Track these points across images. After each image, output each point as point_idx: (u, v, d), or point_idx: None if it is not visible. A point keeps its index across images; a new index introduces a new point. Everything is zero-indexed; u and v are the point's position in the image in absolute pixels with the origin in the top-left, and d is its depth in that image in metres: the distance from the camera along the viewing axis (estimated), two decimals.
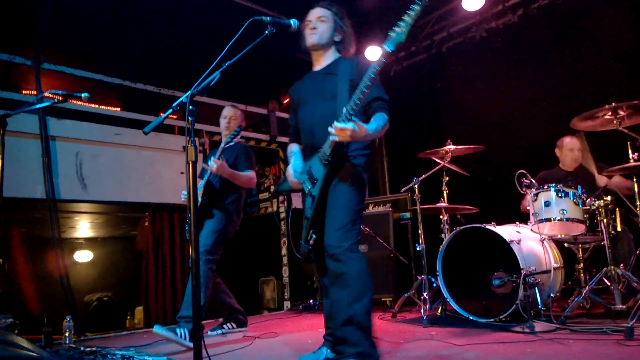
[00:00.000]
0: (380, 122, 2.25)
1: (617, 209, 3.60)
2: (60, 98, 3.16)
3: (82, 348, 3.27)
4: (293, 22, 2.32)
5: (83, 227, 6.43)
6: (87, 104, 4.71)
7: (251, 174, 3.72)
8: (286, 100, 6.74)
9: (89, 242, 7.26)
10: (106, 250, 7.30)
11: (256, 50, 2.16)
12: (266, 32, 2.26)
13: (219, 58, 1.95)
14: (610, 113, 3.39)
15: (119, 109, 5.46)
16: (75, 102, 3.55)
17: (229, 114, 3.88)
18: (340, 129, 2.02)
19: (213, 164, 3.40)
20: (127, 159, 4.85)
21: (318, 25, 2.47)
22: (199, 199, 3.56)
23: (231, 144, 3.67)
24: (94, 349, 3.16)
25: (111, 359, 2.87)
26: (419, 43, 6.16)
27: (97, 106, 5.32)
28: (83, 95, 3.17)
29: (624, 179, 3.79)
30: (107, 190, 4.69)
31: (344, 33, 2.53)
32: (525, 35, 5.20)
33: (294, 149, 2.65)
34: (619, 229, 3.59)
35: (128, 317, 6.22)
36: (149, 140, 4.91)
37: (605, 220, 3.34)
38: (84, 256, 7.18)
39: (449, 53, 5.95)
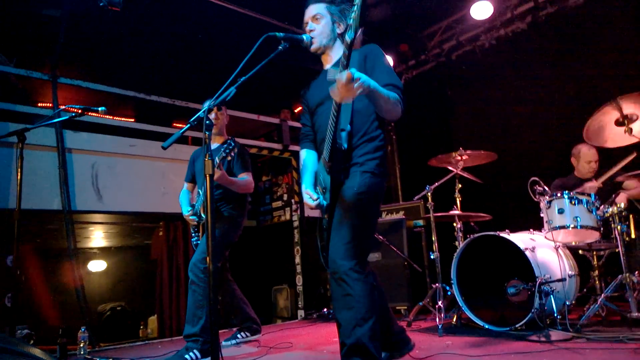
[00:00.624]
0: (390, 93, 2.07)
1: (630, 216, 3.58)
2: (79, 111, 3.22)
3: (97, 359, 3.31)
4: (305, 37, 2.28)
5: (97, 236, 6.50)
6: (102, 116, 4.79)
7: (248, 178, 3.52)
8: (298, 109, 6.79)
9: (103, 252, 7.33)
10: (120, 260, 7.36)
11: (269, 62, 2.16)
12: (280, 47, 2.24)
13: (234, 74, 1.98)
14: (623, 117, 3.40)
15: (133, 121, 5.54)
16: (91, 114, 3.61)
17: (213, 115, 3.61)
18: (339, 85, 1.79)
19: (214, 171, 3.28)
20: (142, 169, 4.92)
21: (314, 26, 2.33)
22: (203, 216, 3.49)
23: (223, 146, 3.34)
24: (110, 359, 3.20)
25: None
26: (429, 52, 6.19)
27: (111, 118, 5.41)
28: (100, 109, 3.22)
29: (627, 200, 3.73)
30: (122, 200, 4.76)
31: (345, 22, 2.34)
32: (534, 43, 5.21)
33: (304, 157, 2.49)
34: (633, 235, 3.57)
35: (141, 327, 6.27)
36: (163, 151, 4.95)
37: (619, 227, 3.33)
38: (97, 266, 7.24)
39: (458, 61, 5.97)
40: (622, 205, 3.39)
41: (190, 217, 3.55)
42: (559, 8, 5.03)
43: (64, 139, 4.47)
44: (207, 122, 1.78)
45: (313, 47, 2.31)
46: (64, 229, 4.38)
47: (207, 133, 1.78)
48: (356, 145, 2.22)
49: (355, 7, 1.78)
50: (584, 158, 4.20)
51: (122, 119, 5.67)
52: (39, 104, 5.39)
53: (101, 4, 3.69)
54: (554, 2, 5.05)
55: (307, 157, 2.49)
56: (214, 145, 3.65)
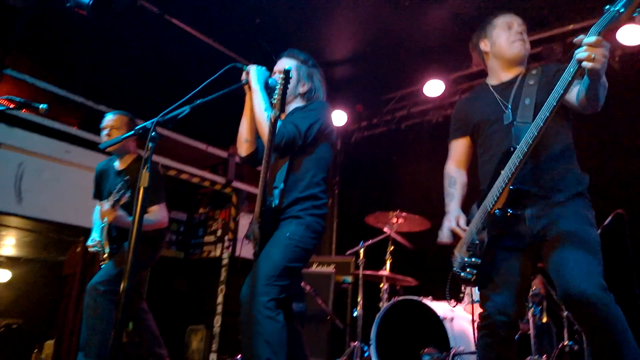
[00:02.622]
0: (264, 118, 2.21)
1: (544, 300, 3.78)
2: (16, 104, 3.05)
3: None
4: (271, 81, 2.32)
5: (8, 243, 6.00)
6: (41, 116, 4.57)
7: (158, 215, 3.10)
8: None
9: (10, 261, 6.74)
10: (27, 272, 6.78)
11: (227, 94, 2.18)
12: (243, 81, 2.33)
13: (192, 93, 1.98)
14: None
15: (75, 128, 5.31)
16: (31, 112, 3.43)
17: (111, 123, 3.28)
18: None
19: (104, 209, 2.88)
20: (73, 178, 4.67)
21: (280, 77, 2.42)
22: (106, 250, 3.17)
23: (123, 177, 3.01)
24: None
25: None
26: (381, 117, 6.47)
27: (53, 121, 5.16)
28: (42, 106, 3.06)
29: (543, 284, 3.94)
30: (44, 207, 4.46)
31: (309, 84, 2.48)
32: None
33: None
34: (544, 320, 3.76)
35: (35, 351, 5.71)
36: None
37: (532, 309, 3.49)
38: (0, 275, 6.65)
39: (407, 130, 6.28)
40: (537, 289, 3.58)
41: (92, 249, 3.27)
42: None
43: None
44: (153, 134, 1.75)
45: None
46: None
47: (150, 145, 1.75)
48: (290, 202, 2.25)
49: (276, 91, 2.03)
50: None
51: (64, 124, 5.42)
52: None
53: (68, 5, 3.60)
54: None
55: None
56: (119, 167, 3.36)
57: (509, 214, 1.99)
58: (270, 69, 2.46)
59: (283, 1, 4.58)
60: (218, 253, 6.11)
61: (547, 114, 1.83)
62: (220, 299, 5.67)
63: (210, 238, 6.42)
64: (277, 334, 2.04)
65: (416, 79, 5.77)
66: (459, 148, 2.46)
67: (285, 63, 2.50)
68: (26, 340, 5.93)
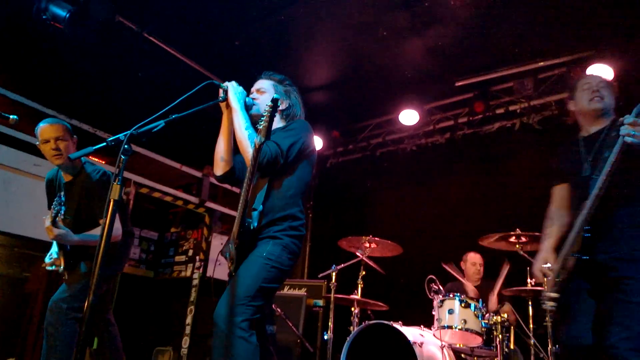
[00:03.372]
0: (251, 136, 2.21)
1: (512, 328, 3.84)
2: None
3: None
4: (248, 100, 2.36)
5: None
6: (11, 128, 4.47)
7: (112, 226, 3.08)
8: None
9: None
10: None
11: (201, 112, 2.19)
12: (220, 98, 2.35)
13: (167, 108, 1.98)
14: (514, 237, 3.78)
15: None
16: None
17: (54, 134, 2.95)
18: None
19: (49, 228, 2.70)
20: (41, 192, 4.55)
21: (257, 96, 2.45)
22: (61, 267, 3.01)
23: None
24: None
25: None
26: (357, 143, 6.57)
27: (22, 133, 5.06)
28: (12, 116, 3.00)
29: (512, 312, 4.07)
30: (11, 220, 4.33)
31: (288, 101, 2.50)
32: (449, 156, 5.77)
33: None
34: (512, 346, 3.81)
35: None
36: None
37: (500, 336, 3.55)
38: None
39: (381, 157, 6.39)
40: (506, 315, 3.64)
41: (49, 268, 3.12)
42: (474, 131, 5.64)
43: None
44: (126, 146, 1.74)
45: (252, 113, 2.37)
46: None
47: (122, 157, 1.74)
48: (268, 221, 2.24)
49: (262, 119, 2.04)
50: (470, 260, 4.60)
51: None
52: None
53: (44, 17, 3.58)
54: (472, 125, 5.66)
55: None
56: (64, 179, 3.18)
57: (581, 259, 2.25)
58: (247, 90, 2.49)
59: (263, 26, 4.66)
60: (189, 273, 6.00)
61: (604, 178, 2.15)
62: (189, 319, 5.55)
63: (181, 258, 6.31)
64: (249, 355, 1.99)
65: (392, 108, 5.91)
66: (558, 193, 2.65)
67: (260, 84, 2.51)
68: None
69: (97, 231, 2.95)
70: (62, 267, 3.05)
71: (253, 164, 2.10)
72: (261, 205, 2.22)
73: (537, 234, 3.59)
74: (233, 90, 2.33)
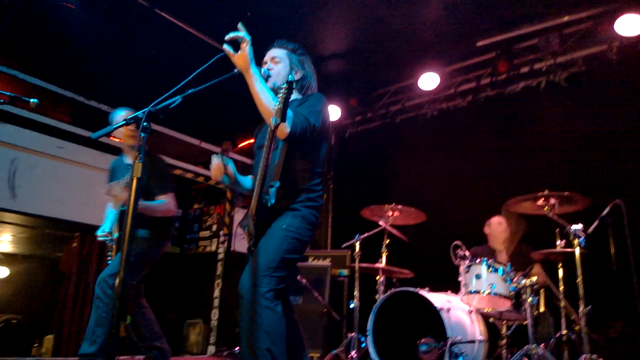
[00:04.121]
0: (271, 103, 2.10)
1: (542, 290, 3.79)
2: (7, 99, 3.02)
3: None
4: (264, 70, 2.31)
5: (4, 240, 5.98)
6: (33, 112, 4.53)
7: (167, 202, 3.13)
8: (242, 144, 6.79)
9: (8, 258, 6.72)
10: (25, 269, 6.76)
11: (218, 88, 2.15)
12: (235, 71, 2.29)
13: (183, 83, 1.96)
14: (543, 200, 3.66)
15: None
16: (21, 107, 3.40)
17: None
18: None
19: (115, 188, 2.95)
20: (66, 174, 4.65)
21: (272, 66, 2.41)
22: (115, 235, 3.22)
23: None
24: None
25: None
26: (376, 111, 6.44)
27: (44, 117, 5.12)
28: (32, 100, 3.03)
29: (542, 273, 3.98)
30: (39, 203, 4.44)
31: (302, 71, 2.48)
32: (472, 119, 5.60)
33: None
34: (542, 309, 3.77)
35: (35, 345, 5.70)
36: (93, 159, 4.74)
37: (529, 299, 3.50)
38: None
39: (401, 124, 6.26)
40: (535, 279, 3.58)
41: (100, 238, 3.29)
42: (497, 92, 5.47)
43: None
44: (145, 123, 1.73)
45: (267, 84, 2.30)
46: None
47: (142, 135, 1.73)
48: (286, 194, 2.23)
49: (280, 97, 1.94)
50: (495, 222, 4.45)
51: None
52: None
53: None
54: (495, 86, 5.48)
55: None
56: (129, 160, 3.43)
57: None
58: (259, 60, 2.43)
59: None
60: (214, 248, 6.09)
61: None
62: (217, 292, 5.67)
63: (205, 233, 6.41)
64: (276, 324, 2.03)
65: (410, 73, 5.74)
66: None
67: (274, 52, 2.46)
68: (26, 335, 5.93)
69: (156, 202, 3.15)
70: (115, 234, 3.19)
71: (269, 141, 2.07)
72: (278, 182, 2.21)
73: (566, 194, 3.50)
74: (248, 51, 2.16)
